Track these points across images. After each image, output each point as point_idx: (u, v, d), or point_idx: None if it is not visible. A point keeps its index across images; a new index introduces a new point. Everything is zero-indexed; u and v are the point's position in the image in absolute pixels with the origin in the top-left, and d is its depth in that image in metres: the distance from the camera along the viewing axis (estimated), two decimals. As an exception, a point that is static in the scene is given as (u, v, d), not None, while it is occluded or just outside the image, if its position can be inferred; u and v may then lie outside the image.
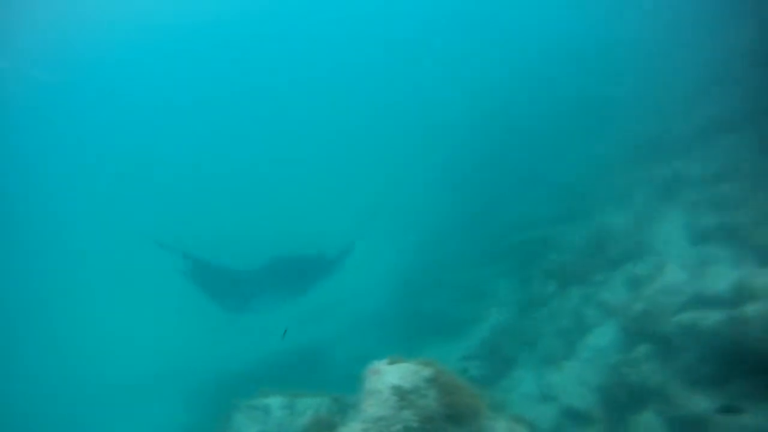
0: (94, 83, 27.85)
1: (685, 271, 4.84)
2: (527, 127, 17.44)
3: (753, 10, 10.35)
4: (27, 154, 25.81)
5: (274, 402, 5.19)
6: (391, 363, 3.40)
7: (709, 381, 4.14)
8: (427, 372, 3.24)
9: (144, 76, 29.50)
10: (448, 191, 16.69)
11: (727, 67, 10.34)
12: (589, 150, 12.97)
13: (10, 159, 24.88)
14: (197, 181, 22.87)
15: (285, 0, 30.79)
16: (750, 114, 8.18)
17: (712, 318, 4.26)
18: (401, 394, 3.07)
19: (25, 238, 21.54)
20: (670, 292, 4.69)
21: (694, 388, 4.17)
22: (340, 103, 27.59)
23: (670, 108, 11.38)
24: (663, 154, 9.44)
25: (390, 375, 3.22)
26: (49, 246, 20.93)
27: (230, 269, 9.74)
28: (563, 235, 9.40)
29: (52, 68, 24.42)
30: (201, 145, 25.72)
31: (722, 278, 4.73)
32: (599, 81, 16.46)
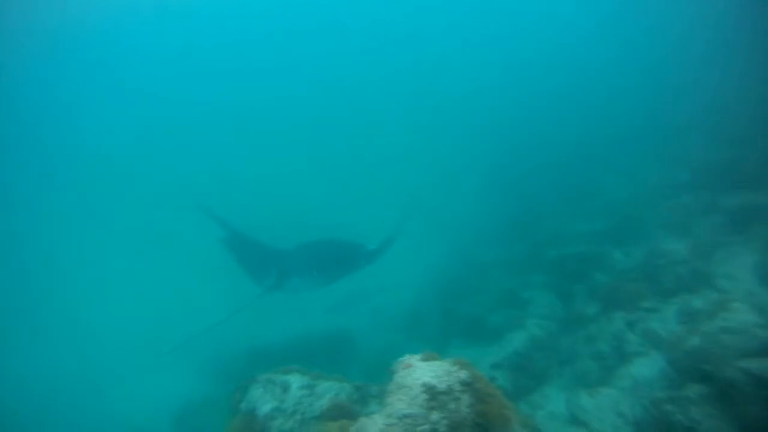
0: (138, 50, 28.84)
1: (755, 313, 4.38)
2: (585, 140, 16.82)
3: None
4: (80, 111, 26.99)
5: (295, 380, 5.10)
6: (425, 359, 3.21)
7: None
8: (463, 374, 3.03)
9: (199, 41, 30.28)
10: (496, 196, 16.29)
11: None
12: (649, 171, 12.33)
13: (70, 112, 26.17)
14: (248, 154, 23.19)
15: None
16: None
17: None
18: (433, 394, 2.87)
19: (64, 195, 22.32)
20: (736, 333, 4.26)
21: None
22: (398, 100, 27.54)
23: (743, 134, 10.63)
24: (734, 183, 8.78)
25: (422, 371, 3.03)
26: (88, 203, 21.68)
27: (268, 245, 9.73)
28: (612, 255, 8.91)
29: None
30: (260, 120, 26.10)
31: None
32: (664, 100, 15.65)
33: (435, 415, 2.81)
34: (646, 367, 5.58)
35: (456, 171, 20.23)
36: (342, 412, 4.81)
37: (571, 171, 15.22)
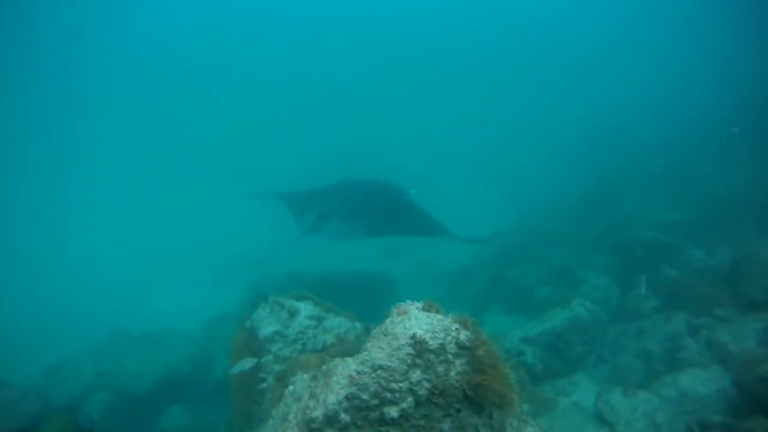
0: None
1: None
2: (686, 122, 14.89)
3: None
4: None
5: (306, 309, 4.85)
6: (426, 309, 2.73)
7: None
8: (463, 336, 2.52)
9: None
10: (577, 168, 15.07)
11: None
12: (756, 167, 10.58)
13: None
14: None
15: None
16: None
17: None
18: (420, 350, 2.40)
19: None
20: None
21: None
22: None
23: None
24: None
25: (416, 322, 2.55)
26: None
27: (312, 188, 9.52)
28: (691, 251, 7.77)
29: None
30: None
31: None
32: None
33: (416, 375, 2.35)
34: (702, 381, 4.74)
35: (538, 141, 19.04)
36: (344, 351, 4.50)
37: (663, 153, 13.55)
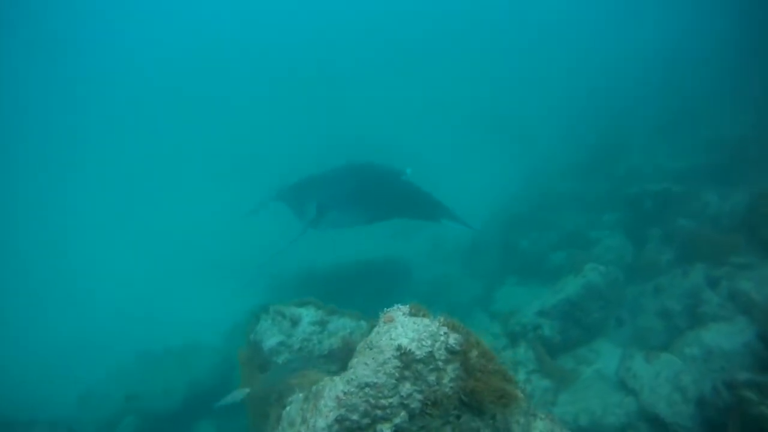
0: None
1: None
2: (694, 62, 14.22)
3: None
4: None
5: (308, 315, 4.76)
6: (413, 314, 2.59)
7: None
8: (452, 340, 2.38)
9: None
10: (583, 121, 14.59)
11: None
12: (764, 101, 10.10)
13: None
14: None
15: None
16: None
17: None
18: (407, 362, 2.28)
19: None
20: None
21: None
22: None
23: None
24: None
25: (402, 330, 2.42)
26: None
27: (309, 178, 9.37)
28: (704, 196, 7.45)
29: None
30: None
31: None
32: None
33: (406, 387, 2.23)
34: (726, 336, 4.53)
35: (539, 97, 18.43)
36: (351, 353, 4.41)
37: (672, 97, 13.01)
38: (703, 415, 3.89)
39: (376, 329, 2.56)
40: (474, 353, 2.40)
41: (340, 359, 4.63)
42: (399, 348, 2.32)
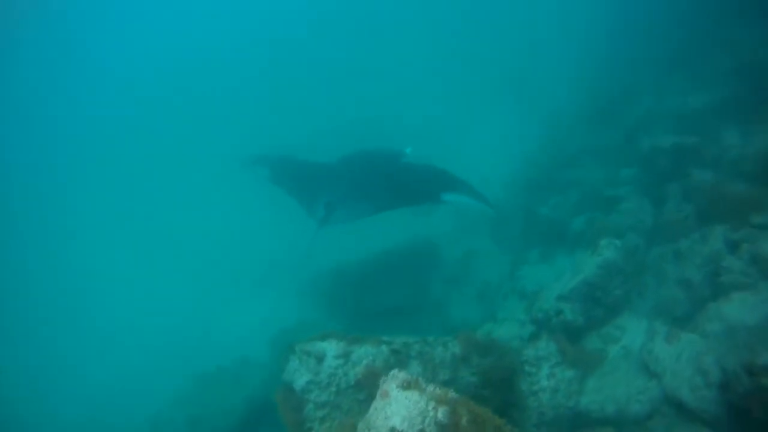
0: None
1: None
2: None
3: None
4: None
5: (330, 349, 4.99)
6: (405, 388, 2.73)
7: None
8: (441, 413, 2.51)
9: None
10: (596, 67, 13.84)
11: None
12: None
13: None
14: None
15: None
16: None
17: None
18: (400, 443, 2.44)
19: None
20: None
21: None
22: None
23: None
24: None
25: (396, 408, 2.57)
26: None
27: (313, 166, 9.24)
28: (723, 137, 7.07)
29: None
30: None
31: None
32: None
33: (403, 470, 2.41)
34: (749, 307, 4.45)
35: (545, 47, 17.48)
36: (376, 380, 4.64)
37: (684, 24, 12.05)
38: (726, 399, 3.90)
39: (373, 405, 2.73)
40: (464, 420, 2.53)
41: (366, 387, 4.89)
42: (392, 429, 2.47)
